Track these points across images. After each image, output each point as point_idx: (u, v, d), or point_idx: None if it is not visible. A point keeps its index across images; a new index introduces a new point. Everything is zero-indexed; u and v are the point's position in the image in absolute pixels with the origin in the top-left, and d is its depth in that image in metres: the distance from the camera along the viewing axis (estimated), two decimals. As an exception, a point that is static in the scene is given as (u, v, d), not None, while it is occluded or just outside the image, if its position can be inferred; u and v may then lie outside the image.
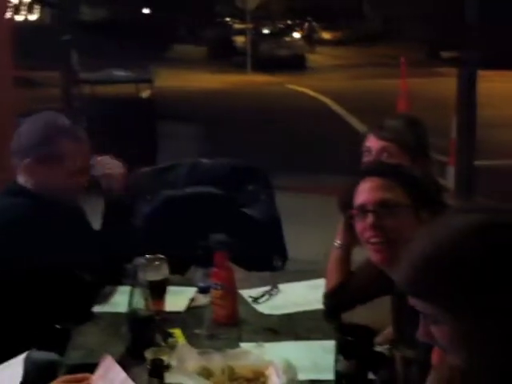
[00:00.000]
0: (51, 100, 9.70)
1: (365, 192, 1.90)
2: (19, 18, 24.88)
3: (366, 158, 2.44)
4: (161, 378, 1.46)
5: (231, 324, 2.20)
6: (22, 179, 2.31)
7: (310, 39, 29.68)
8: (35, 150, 2.29)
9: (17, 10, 24.31)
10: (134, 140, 6.83)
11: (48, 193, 2.29)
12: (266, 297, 2.44)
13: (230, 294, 2.23)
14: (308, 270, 2.80)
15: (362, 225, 1.89)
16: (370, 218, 1.86)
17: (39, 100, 10.66)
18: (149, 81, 7.85)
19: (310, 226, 5.78)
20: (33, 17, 28.44)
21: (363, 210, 1.89)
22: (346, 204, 1.96)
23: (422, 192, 1.90)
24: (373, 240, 1.87)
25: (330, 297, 2.27)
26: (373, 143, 2.43)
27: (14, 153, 2.33)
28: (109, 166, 2.51)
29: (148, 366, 1.57)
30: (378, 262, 1.89)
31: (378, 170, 1.97)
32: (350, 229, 1.99)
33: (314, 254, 4.28)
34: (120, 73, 7.70)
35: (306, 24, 30.93)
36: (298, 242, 3.95)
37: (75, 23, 11.89)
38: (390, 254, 1.83)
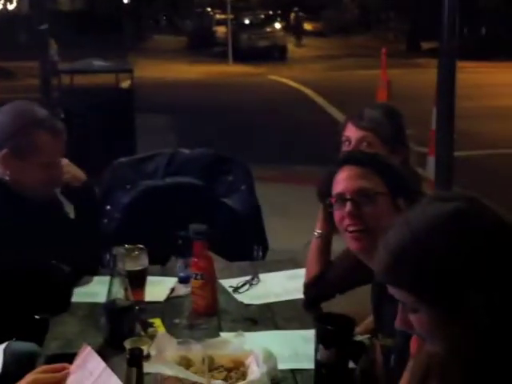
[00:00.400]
0: (29, 90, 9.61)
1: (343, 181, 1.91)
2: (-3, 7, 24.62)
3: (345, 148, 2.44)
4: (139, 367, 1.45)
5: (211, 314, 2.20)
6: None
7: (297, 30, 29.45)
8: (11, 141, 2.25)
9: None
10: (114, 130, 6.78)
11: (24, 185, 2.27)
12: (247, 286, 2.44)
13: (210, 283, 2.23)
14: (287, 260, 2.80)
15: (340, 213, 1.90)
16: (348, 207, 1.87)
17: (17, 90, 10.59)
18: (129, 71, 7.78)
19: (289, 216, 5.79)
20: (11, 6, 28.12)
21: (341, 198, 1.89)
22: (325, 193, 1.96)
23: (399, 180, 1.91)
24: (351, 228, 1.87)
25: (309, 286, 2.27)
26: (352, 133, 2.43)
27: None
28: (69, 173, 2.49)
29: (127, 356, 1.56)
30: (357, 251, 1.90)
31: (355, 158, 1.97)
32: (329, 218, 1.99)
33: (294, 245, 4.30)
34: (100, 63, 7.63)
35: (293, 14, 30.67)
36: (277, 232, 3.94)
37: (53, 13, 11.75)
38: (369, 243, 1.84)
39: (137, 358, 1.43)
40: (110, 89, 7.68)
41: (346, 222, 1.88)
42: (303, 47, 27.63)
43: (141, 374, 1.45)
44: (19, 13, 26.15)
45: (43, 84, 7.00)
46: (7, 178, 2.26)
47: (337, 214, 1.91)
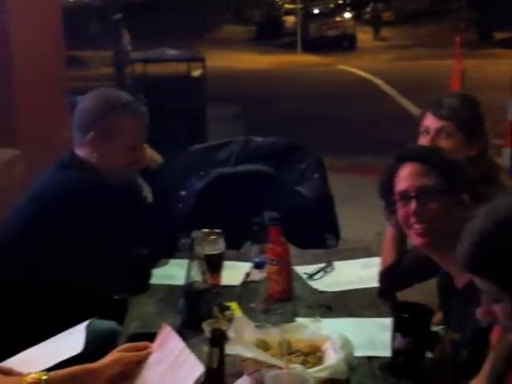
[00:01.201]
0: (103, 79, 9.83)
1: (405, 178, 1.92)
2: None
3: (423, 138, 2.40)
4: (221, 348, 1.48)
5: (285, 299, 2.22)
6: (84, 153, 2.34)
7: (376, 22, 27.98)
8: (97, 125, 2.32)
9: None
10: (185, 118, 6.87)
11: (109, 167, 2.33)
12: (321, 274, 2.44)
13: (285, 269, 2.24)
14: (361, 248, 2.79)
15: (404, 211, 1.91)
16: (413, 205, 1.88)
17: (90, 79, 10.82)
18: (201, 60, 7.86)
19: (358, 207, 5.76)
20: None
21: (405, 196, 1.91)
22: (387, 190, 1.97)
23: (461, 176, 1.91)
24: (416, 226, 1.88)
25: (385, 275, 2.26)
26: (430, 123, 2.39)
27: (76, 128, 2.36)
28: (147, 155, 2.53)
29: (208, 336, 1.59)
30: (422, 247, 1.91)
31: (416, 154, 1.97)
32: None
33: (364, 235, 4.28)
34: (172, 52, 7.73)
35: (371, 5, 29.76)
36: (347, 222, 3.92)
37: (125, 3, 11.96)
38: (433, 239, 1.87)
39: (219, 339, 1.46)
40: (182, 77, 7.78)
41: (412, 219, 1.89)
42: (382, 40, 27.05)
43: (222, 355, 1.48)
44: (93, 3, 26.69)
45: (117, 73, 7.16)
46: (94, 160, 2.33)
47: (401, 212, 1.92)
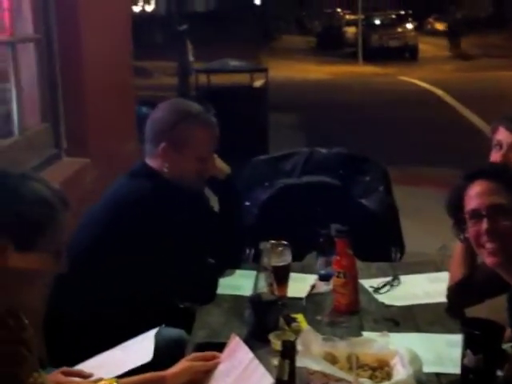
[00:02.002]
0: (166, 89, 9.97)
1: (476, 197, 1.89)
2: (136, 8, 25.62)
3: (496, 153, 2.36)
4: (292, 359, 1.48)
5: (352, 312, 2.21)
6: (155, 163, 2.38)
7: (454, 35, 24.56)
8: (170, 135, 2.35)
9: (134, 0, 25.05)
10: (248, 128, 6.92)
11: (180, 177, 2.36)
12: (387, 287, 2.42)
13: (352, 282, 2.23)
14: (428, 262, 2.75)
15: (475, 230, 1.89)
16: (485, 224, 1.86)
17: (154, 88, 10.99)
18: (263, 70, 7.91)
19: (421, 220, 5.68)
20: (149, 8, 29.22)
21: (477, 215, 1.88)
22: (456, 208, 1.94)
23: None
24: (489, 245, 1.86)
25: (454, 290, 2.23)
26: (503, 137, 2.35)
27: (148, 138, 2.40)
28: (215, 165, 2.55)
29: (279, 348, 1.59)
30: (494, 265, 1.89)
31: (486, 172, 1.95)
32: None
33: (427, 248, 4.22)
34: (235, 62, 7.81)
35: (451, 18, 27.36)
36: (409, 235, 3.88)
37: (188, 14, 12.13)
38: (506, 257, 1.85)
39: (290, 351, 1.46)
40: (245, 88, 7.84)
41: (484, 238, 1.87)
42: (430, 45, 26.26)
43: (293, 367, 1.48)
44: (156, 14, 27.14)
45: (181, 83, 7.25)
46: (166, 170, 2.36)
47: (472, 231, 1.90)
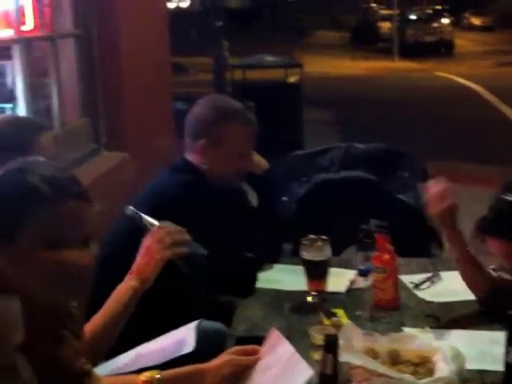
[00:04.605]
0: (202, 85, 10.00)
1: (499, 255, 1.92)
2: (171, 5, 25.74)
3: None
4: (335, 354, 1.48)
5: (392, 308, 2.19)
6: (194, 158, 2.39)
7: None
8: (209, 132, 2.36)
9: (169, -3, 25.12)
10: (282, 124, 6.91)
11: (218, 173, 2.37)
12: (428, 283, 2.40)
13: (392, 277, 2.21)
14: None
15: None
16: None
17: (190, 85, 11.03)
18: (298, 66, 7.90)
19: (461, 215, 5.60)
20: (184, 4, 29.35)
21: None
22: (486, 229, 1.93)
23: None
24: None
25: (493, 288, 2.20)
26: None
27: (188, 134, 2.41)
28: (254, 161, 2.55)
29: (322, 342, 1.59)
30: None
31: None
32: None
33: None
34: (271, 58, 7.80)
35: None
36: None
37: (224, 10, 12.16)
38: None
39: (333, 345, 1.45)
40: (280, 83, 7.82)
41: None
42: (466, 40, 25.79)
43: (336, 361, 1.48)
44: (191, 10, 27.24)
45: (217, 79, 7.26)
46: (205, 166, 2.37)
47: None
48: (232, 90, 7.46)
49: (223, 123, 2.36)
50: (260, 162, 2.61)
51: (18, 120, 2.02)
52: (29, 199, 1.36)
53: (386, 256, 2.22)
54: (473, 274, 2.17)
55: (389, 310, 2.18)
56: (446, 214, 2.15)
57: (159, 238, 1.88)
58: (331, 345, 1.47)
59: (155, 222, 1.95)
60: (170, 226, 1.93)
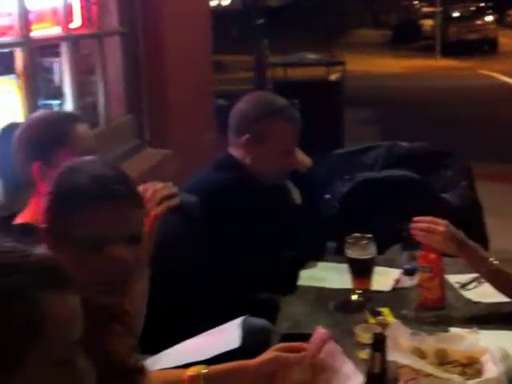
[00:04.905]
0: (242, 83, 10.01)
1: None
2: (213, 3, 25.82)
3: None
4: (383, 352, 1.46)
5: (438, 308, 2.16)
6: (238, 154, 2.39)
7: None
8: (253, 128, 2.36)
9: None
10: (323, 122, 6.88)
11: (261, 170, 2.37)
12: (474, 284, 2.37)
13: (438, 277, 2.19)
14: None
15: None
16: None
17: (231, 83, 11.05)
18: (340, 63, 7.86)
19: (503, 217, 5.53)
20: (225, 2, 29.41)
21: None
22: None
23: None
24: None
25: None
26: None
27: (232, 129, 2.42)
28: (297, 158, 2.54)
29: (364, 341, 1.58)
30: None
31: None
32: None
33: (509, 246, 4.12)
34: (312, 56, 7.78)
35: None
36: (491, 232, 3.78)
37: (265, 8, 12.17)
38: None
39: (381, 343, 1.44)
40: (322, 81, 7.79)
41: None
42: (510, 38, 25.49)
43: (384, 359, 1.47)
44: (232, 8, 27.30)
45: (258, 77, 7.26)
46: (248, 161, 2.37)
47: None
48: (273, 88, 7.45)
49: (267, 120, 2.35)
50: (303, 159, 2.61)
51: (51, 114, 2.03)
52: (75, 197, 1.38)
53: (432, 255, 2.19)
54: (503, 285, 2.14)
55: (435, 309, 2.15)
56: (444, 242, 2.11)
57: (149, 198, 1.84)
58: (380, 343, 1.46)
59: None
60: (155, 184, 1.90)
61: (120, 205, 1.39)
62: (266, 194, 2.35)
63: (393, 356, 1.68)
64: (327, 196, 3.42)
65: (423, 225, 2.14)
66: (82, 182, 1.39)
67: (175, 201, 1.87)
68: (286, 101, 2.45)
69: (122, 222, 1.40)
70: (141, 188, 1.87)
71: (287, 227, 2.44)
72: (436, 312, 2.14)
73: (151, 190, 1.87)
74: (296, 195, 2.69)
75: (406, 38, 26.69)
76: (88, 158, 1.52)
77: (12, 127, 1.91)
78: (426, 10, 29.85)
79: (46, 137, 1.86)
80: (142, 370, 1.55)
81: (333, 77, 8.49)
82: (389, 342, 1.72)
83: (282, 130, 2.37)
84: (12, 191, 1.89)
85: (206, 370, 1.66)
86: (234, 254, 2.25)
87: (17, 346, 0.83)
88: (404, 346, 1.76)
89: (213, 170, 2.41)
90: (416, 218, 2.17)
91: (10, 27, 2.84)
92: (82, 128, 1.94)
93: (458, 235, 2.14)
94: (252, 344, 1.91)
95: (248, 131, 2.36)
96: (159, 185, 1.86)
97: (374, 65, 19.35)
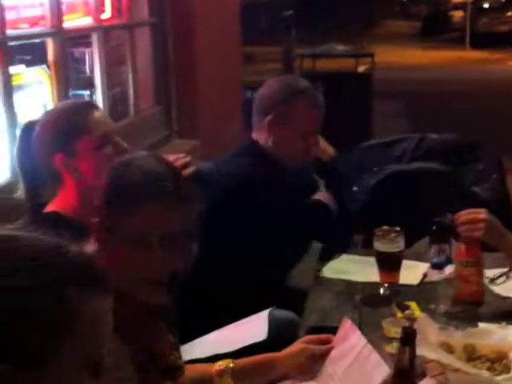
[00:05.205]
0: (270, 74, 9.98)
1: None
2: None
3: None
4: (413, 346, 1.46)
5: (476, 301, 2.14)
6: (260, 137, 2.38)
7: None
8: (276, 108, 2.35)
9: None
10: (352, 114, 6.85)
11: (283, 152, 2.36)
12: (503, 278, 2.34)
13: (479, 270, 2.16)
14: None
15: None
16: None
17: (259, 74, 11.02)
18: (369, 55, 7.80)
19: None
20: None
21: None
22: None
23: None
24: None
25: None
26: None
27: (256, 112, 2.41)
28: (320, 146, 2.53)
29: (391, 335, 1.58)
30: None
31: None
32: None
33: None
34: (341, 47, 7.73)
35: None
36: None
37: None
38: None
39: (411, 338, 1.43)
40: (350, 73, 7.75)
41: None
42: None
43: (413, 354, 1.46)
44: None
45: (286, 68, 7.24)
46: (270, 143, 2.36)
47: None
48: (301, 78, 7.42)
49: (290, 100, 2.34)
50: (327, 148, 2.59)
51: (67, 106, 2.04)
52: (129, 193, 1.39)
53: (474, 249, 2.16)
54: None
55: (471, 303, 2.13)
56: (486, 229, 2.08)
57: None
58: (409, 337, 1.45)
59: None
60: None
61: (172, 201, 1.40)
62: (283, 183, 2.35)
63: (420, 350, 1.67)
64: (355, 188, 3.40)
65: (465, 217, 2.12)
66: (136, 179, 1.40)
67: (192, 168, 1.90)
68: (309, 83, 2.44)
69: (174, 219, 1.41)
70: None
71: (310, 216, 2.45)
72: (466, 307, 2.12)
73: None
74: (321, 186, 2.68)
75: (435, 29, 26.38)
76: (141, 152, 1.54)
77: (31, 125, 1.93)
78: (455, 1, 29.50)
79: (64, 128, 1.87)
80: (181, 368, 1.56)
81: (361, 68, 8.43)
82: (417, 336, 1.72)
83: (304, 111, 2.35)
84: (35, 187, 1.91)
85: (233, 364, 1.67)
86: (254, 242, 2.24)
87: (44, 343, 0.82)
88: (432, 341, 1.75)
89: (231, 157, 2.40)
90: (456, 214, 2.14)
91: (42, 17, 2.86)
92: (98, 113, 1.95)
93: (498, 223, 2.11)
94: (279, 336, 1.92)
95: (271, 112, 2.35)
96: (171, 157, 1.88)
97: (402, 56, 19.17)
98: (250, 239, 2.25)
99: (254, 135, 2.42)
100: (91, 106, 2.01)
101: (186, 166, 1.88)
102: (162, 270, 1.40)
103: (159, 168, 1.44)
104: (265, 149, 2.38)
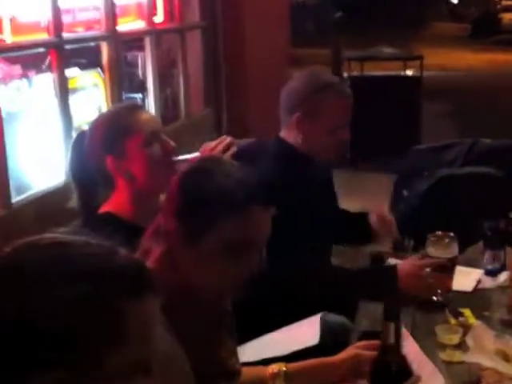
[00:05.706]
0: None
1: None
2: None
3: None
4: (398, 322, 1.38)
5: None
6: (289, 135, 2.35)
7: None
8: (304, 105, 2.31)
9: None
10: (401, 117, 6.78)
11: (313, 148, 2.33)
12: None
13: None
14: None
15: None
16: None
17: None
18: (419, 58, 7.71)
19: None
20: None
21: None
22: None
23: None
24: None
25: None
26: None
27: (284, 108, 2.36)
28: None
29: (445, 342, 1.55)
30: None
31: None
32: None
33: None
34: (389, 50, 7.65)
35: None
36: None
37: (340, 1, 12.07)
38: None
39: (395, 312, 1.38)
40: (399, 76, 7.66)
41: None
42: None
43: (398, 329, 1.41)
44: (308, 1, 27.14)
45: (334, 71, 7.20)
46: (300, 140, 2.34)
47: None
48: (350, 81, 7.37)
49: (318, 96, 2.29)
50: None
51: (114, 109, 2.08)
52: (219, 201, 1.36)
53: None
54: None
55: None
56: None
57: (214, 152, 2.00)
58: (391, 312, 1.40)
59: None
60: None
61: (258, 209, 1.39)
62: (310, 183, 2.33)
63: (476, 358, 1.65)
64: (405, 192, 3.38)
65: None
66: (228, 187, 1.37)
67: (234, 149, 2.00)
68: (335, 76, 2.42)
69: (261, 227, 1.41)
70: (201, 150, 1.97)
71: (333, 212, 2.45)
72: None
73: (209, 147, 2.02)
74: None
75: (485, 31, 25.98)
76: (215, 158, 1.53)
77: (83, 134, 1.97)
78: (506, 3, 28.99)
79: (112, 130, 1.90)
80: (239, 372, 1.57)
81: (410, 71, 8.34)
82: (472, 344, 1.69)
83: (332, 105, 2.31)
84: (87, 192, 1.95)
85: (286, 368, 1.67)
86: (286, 244, 2.23)
87: (96, 349, 0.84)
88: (488, 348, 1.73)
89: (268, 159, 2.32)
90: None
91: (97, 21, 2.90)
92: (144, 113, 1.98)
93: None
94: (330, 341, 1.91)
95: (298, 109, 2.31)
96: (212, 143, 2.01)
97: (452, 58, 18.92)
98: (299, 239, 2.24)
99: (282, 133, 2.39)
100: (137, 107, 2.04)
101: (229, 146, 1.97)
102: (245, 276, 1.40)
103: (246, 175, 1.42)
104: (293, 145, 2.36)
